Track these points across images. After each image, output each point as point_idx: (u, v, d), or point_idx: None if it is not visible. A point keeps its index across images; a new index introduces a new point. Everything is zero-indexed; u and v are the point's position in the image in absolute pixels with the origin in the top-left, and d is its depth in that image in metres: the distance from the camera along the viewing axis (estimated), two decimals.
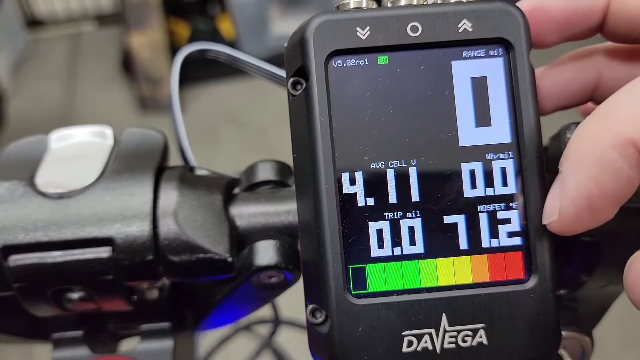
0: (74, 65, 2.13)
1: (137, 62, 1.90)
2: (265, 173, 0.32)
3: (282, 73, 0.36)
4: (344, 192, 0.23)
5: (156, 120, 1.91)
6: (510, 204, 0.24)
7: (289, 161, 0.34)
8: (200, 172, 0.32)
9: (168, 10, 1.97)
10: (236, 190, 0.32)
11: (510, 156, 0.24)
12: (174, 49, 1.97)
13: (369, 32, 0.24)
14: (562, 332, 0.31)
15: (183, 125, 0.35)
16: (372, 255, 0.23)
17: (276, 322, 0.52)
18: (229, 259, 0.29)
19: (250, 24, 2.02)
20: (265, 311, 0.45)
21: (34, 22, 2.27)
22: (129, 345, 0.35)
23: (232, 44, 2.06)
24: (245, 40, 2.04)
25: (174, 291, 0.33)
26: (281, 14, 2.06)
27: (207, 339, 0.57)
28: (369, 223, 0.23)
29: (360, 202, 0.23)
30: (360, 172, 0.24)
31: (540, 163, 0.24)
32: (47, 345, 0.35)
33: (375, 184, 0.24)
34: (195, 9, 2.10)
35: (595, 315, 0.33)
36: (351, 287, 0.23)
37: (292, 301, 0.50)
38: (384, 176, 0.24)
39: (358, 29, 0.24)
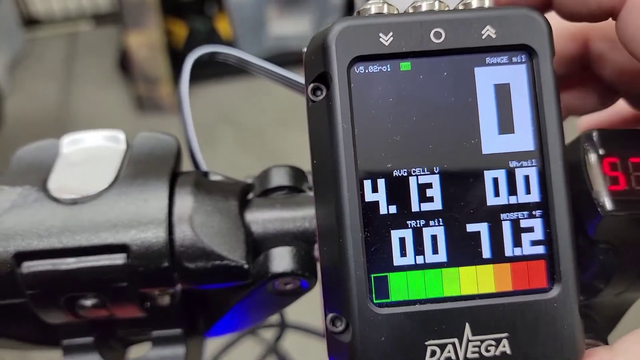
0: (71, 64, 2.12)
1: (135, 62, 1.89)
2: (280, 179, 0.32)
3: (292, 76, 0.36)
4: (366, 200, 0.23)
5: (153, 120, 1.90)
6: (534, 212, 0.24)
7: (293, 164, 0.34)
8: (214, 177, 0.31)
9: (165, 10, 1.96)
10: (250, 196, 0.32)
11: (534, 164, 0.24)
12: (171, 49, 1.97)
13: (392, 38, 0.23)
14: None
15: (193, 129, 0.34)
16: (395, 264, 0.23)
17: (282, 326, 0.52)
18: (245, 266, 0.28)
19: (248, 24, 2.02)
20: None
21: (30, 21, 2.26)
22: (140, 349, 0.35)
23: (229, 44, 2.05)
24: (243, 40, 2.04)
25: (186, 297, 0.33)
26: (279, 14, 2.06)
27: (212, 342, 0.57)
28: (392, 231, 0.23)
29: (383, 210, 0.23)
30: (383, 180, 0.23)
31: (564, 170, 0.24)
32: (42, 351, 0.34)
33: (397, 192, 0.23)
34: (192, 9, 2.10)
35: (611, 322, 0.33)
36: (373, 296, 0.23)
37: (298, 305, 0.50)
38: (406, 184, 0.23)
39: (381, 34, 0.23)
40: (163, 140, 0.31)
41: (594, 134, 0.28)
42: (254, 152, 1.81)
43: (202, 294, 0.33)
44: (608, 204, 0.27)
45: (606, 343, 0.31)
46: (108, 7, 2.26)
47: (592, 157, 0.28)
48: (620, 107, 0.34)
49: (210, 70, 1.88)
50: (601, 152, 0.28)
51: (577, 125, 0.37)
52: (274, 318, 0.53)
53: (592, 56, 0.30)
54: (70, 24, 2.27)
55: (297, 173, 0.32)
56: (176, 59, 1.94)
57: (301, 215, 0.30)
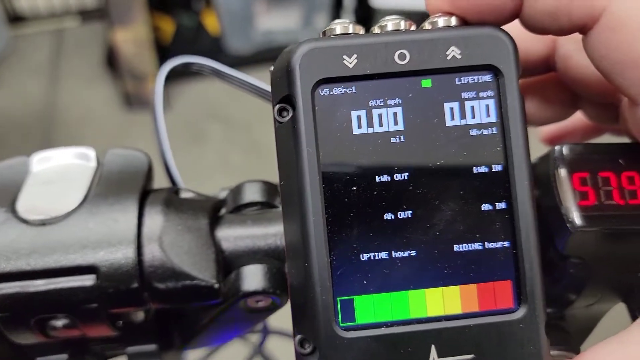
0: (57, 61, 2.10)
1: (122, 58, 1.88)
2: (252, 194, 0.32)
3: (266, 87, 0.36)
4: (332, 223, 0.23)
5: (141, 117, 1.89)
6: (500, 233, 0.24)
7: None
8: (185, 194, 0.31)
9: (152, 6, 1.94)
10: (222, 212, 0.32)
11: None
12: (158, 45, 1.95)
13: (356, 60, 0.23)
14: (552, 352, 0.31)
15: (169, 144, 0.34)
16: (361, 287, 0.23)
17: (265, 332, 0.52)
18: (216, 285, 0.28)
19: (235, 19, 2.01)
20: None
21: (15, 18, 2.24)
22: None
23: (217, 40, 2.04)
24: (230, 35, 2.03)
25: (161, 313, 0.33)
26: (267, 8, 2.04)
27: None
28: (358, 254, 0.23)
29: (349, 233, 0.23)
30: (350, 203, 0.23)
31: (530, 191, 0.24)
32: None
33: (364, 215, 0.23)
34: (179, 4, 2.08)
35: (583, 333, 0.33)
36: (339, 319, 0.23)
37: (281, 311, 0.50)
38: (373, 207, 0.23)
39: (345, 57, 0.23)
40: (134, 157, 0.31)
41: (564, 149, 0.28)
42: (243, 148, 1.80)
43: (176, 310, 0.33)
44: (577, 220, 0.27)
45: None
46: (94, 3, 2.24)
47: (562, 172, 0.28)
48: (580, 118, 0.34)
49: None
50: (571, 166, 0.28)
51: (540, 135, 0.38)
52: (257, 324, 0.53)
53: (559, 57, 0.30)
54: (55, 21, 2.25)
55: (269, 188, 0.32)
56: (164, 54, 1.93)
57: (273, 232, 0.30)
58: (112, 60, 1.98)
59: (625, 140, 0.31)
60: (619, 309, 0.32)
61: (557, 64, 0.30)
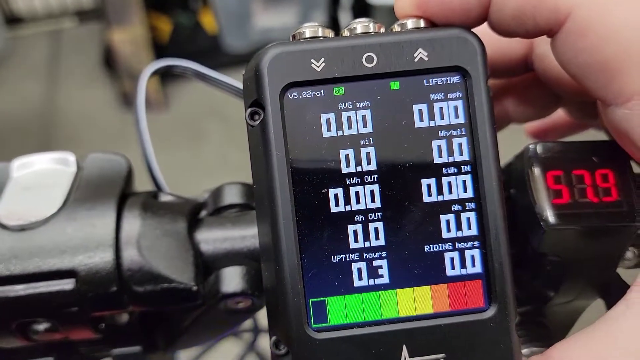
0: (54, 62, 2.10)
1: (119, 59, 1.88)
2: (232, 196, 0.32)
3: None
4: (303, 226, 0.23)
5: None
6: (470, 233, 0.24)
7: None
8: (164, 197, 0.31)
9: (149, 5, 1.94)
10: (202, 214, 0.32)
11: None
12: (156, 45, 1.96)
13: (323, 64, 0.23)
14: (532, 348, 0.31)
15: (152, 148, 0.34)
16: (333, 288, 0.23)
17: (255, 331, 0.52)
18: (194, 288, 0.28)
19: (233, 17, 2.01)
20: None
21: (12, 20, 2.24)
22: None
23: (215, 38, 2.04)
24: (228, 34, 2.03)
25: (144, 315, 0.33)
26: (264, 6, 2.04)
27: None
28: (329, 256, 0.23)
29: (320, 236, 0.23)
30: (319, 206, 0.23)
31: (499, 191, 0.24)
32: None
33: (334, 218, 0.23)
34: (177, 4, 2.08)
35: (563, 329, 0.33)
36: (312, 321, 0.23)
37: None
38: (342, 210, 0.23)
39: (313, 60, 0.23)
40: (114, 161, 0.31)
41: (538, 147, 0.28)
42: (242, 146, 1.80)
43: (159, 313, 0.34)
44: (551, 218, 0.27)
45: None
46: (91, 4, 2.24)
47: (536, 171, 0.28)
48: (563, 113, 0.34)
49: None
50: (545, 165, 0.28)
51: (525, 129, 0.38)
52: (248, 323, 0.53)
53: (536, 57, 0.30)
54: (53, 22, 2.25)
55: (249, 190, 0.32)
56: (161, 54, 1.93)
57: (252, 234, 0.30)
58: (109, 61, 1.98)
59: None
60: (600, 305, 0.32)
61: (535, 64, 0.30)
